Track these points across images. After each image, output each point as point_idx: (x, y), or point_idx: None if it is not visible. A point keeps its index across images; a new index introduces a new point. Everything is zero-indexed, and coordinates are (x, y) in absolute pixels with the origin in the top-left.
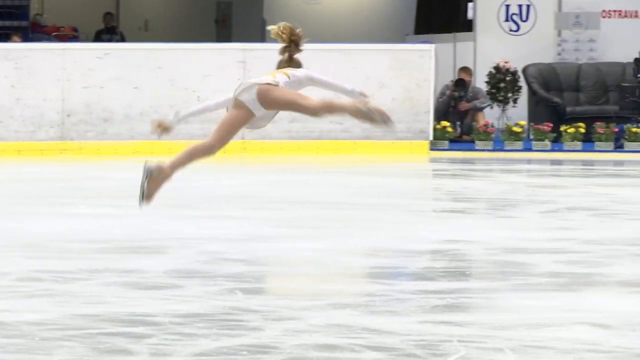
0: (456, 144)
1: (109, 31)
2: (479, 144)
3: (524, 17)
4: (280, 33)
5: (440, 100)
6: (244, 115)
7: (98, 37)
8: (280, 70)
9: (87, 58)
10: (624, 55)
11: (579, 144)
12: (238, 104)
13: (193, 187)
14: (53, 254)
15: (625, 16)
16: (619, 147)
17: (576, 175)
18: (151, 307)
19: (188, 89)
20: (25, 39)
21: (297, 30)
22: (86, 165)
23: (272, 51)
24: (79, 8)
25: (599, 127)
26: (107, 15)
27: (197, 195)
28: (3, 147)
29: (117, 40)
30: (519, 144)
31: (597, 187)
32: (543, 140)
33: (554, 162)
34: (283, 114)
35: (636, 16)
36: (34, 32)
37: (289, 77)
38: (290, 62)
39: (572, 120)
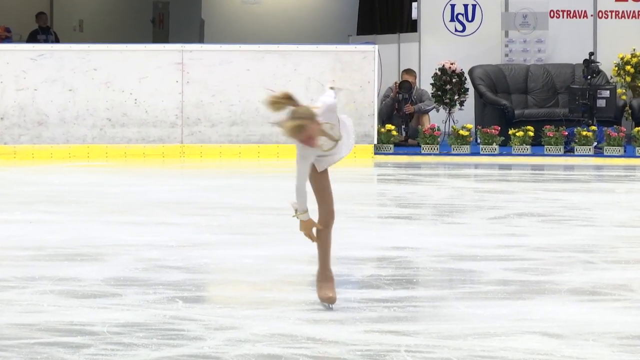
0: (401, 148)
1: (44, 31)
2: (424, 148)
3: (469, 17)
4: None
5: (384, 103)
6: None
7: (33, 38)
8: None
9: (20, 60)
10: (573, 56)
11: (527, 148)
12: None
13: (130, 192)
14: None
15: (574, 16)
16: (569, 151)
17: (525, 180)
18: (89, 316)
19: (125, 91)
20: None
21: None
22: (20, 170)
23: (210, 52)
24: (12, 8)
25: (549, 131)
26: (41, 14)
27: (134, 200)
28: None
29: (52, 41)
30: (466, 148)
31: (547, 193)
32: (491, 144)
33: (502, 166)
34: (224, 116)
35: (585, 16)
36: None
37: None
38: None
39: (520, 123)
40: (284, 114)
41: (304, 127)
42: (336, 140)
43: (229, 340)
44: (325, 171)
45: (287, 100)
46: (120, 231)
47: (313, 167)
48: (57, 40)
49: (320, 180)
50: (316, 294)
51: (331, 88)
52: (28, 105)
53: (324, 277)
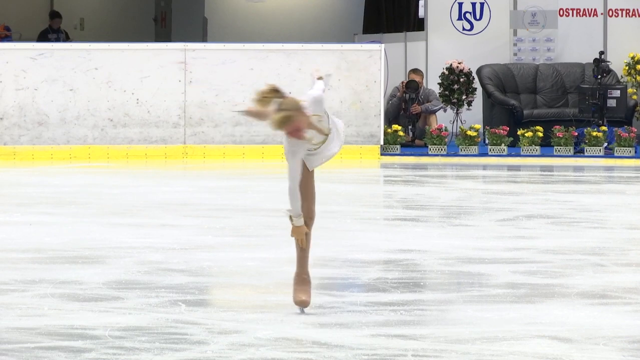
0: (408, 149)
1: (54, 31)
2: (432, 149)
3: (477, 16)
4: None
5: (391, 102)
6: None
7: (44, 37)
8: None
9: (20, 59)
10: (583, 55)
11: (537, 149)
12: None
13: (131, 193)
14: None
15: (584, 14)
16: (578, 152)
17: (534, 182)
18: (90, 319)
19: (126, 91)
20: None
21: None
22: (20, 171)
23: (213, 51)
24: (12, 6)
25: (558, 131)
26: (56, 18)
27: (135, 202)
28: None
29: (63, 40)
30: (474, 149)
31: (557, 194)
32: (499, 144)
33: (511, 167)
34: (227, 117)
35: (595, 14)
36: None
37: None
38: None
39: (529, 123)
40: (271, 106)
41: (291, 118)
42: (326, 134)
43: (232, 345)
44: (312, 170)
45: (274, 93)
46: (121, 233)
47: (303, 165)
48: (67, 40)
49: (307, 178)
50: (294, 297)
51: (319, 78)
52: (28, 105)
53: (301, 280)
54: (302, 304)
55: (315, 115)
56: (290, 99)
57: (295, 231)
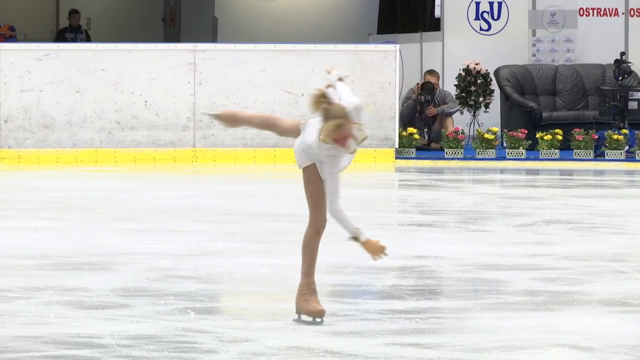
0: (424, 152)
1: (73, 30)
2: (448, 152)
3: (495, 16)
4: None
5: (406, 105)
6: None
7: (61, 36)
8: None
9: (25, 60)
10: (603, 56)
11: (556, 152)
12: None
13: (139, 198)
14: None
15: (605, 14)
16: (599, 156)
17: (553, 186)
18: (97, 328)
19: (134, 92)
20: None
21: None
22: (25, 175)
23: (223, 52)
24: (16, 6)
25: (578, 134)
26: (74, 14)
27: (143, 207)
28: None
29: (82, 40)
30: (492, 152)
31: (576, 199)
32: (517, 148)
33: (530, 171)
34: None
35: (616, 14)
36: None
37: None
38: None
39: (548, 126)
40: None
41: (342, 126)
42: (359, 142)
43: (243, 354)
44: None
45: (323, 98)
46: (129, 239)
47: (316, 172)
48: (88, 40)
49: (321, 186)
50: (298, 307)
51: (339, 79)
52: (33, 107)
53: (310, 289)
54: (320, 314)
55: (357, 123)
56: (337, 105)
57: (371, 249)
